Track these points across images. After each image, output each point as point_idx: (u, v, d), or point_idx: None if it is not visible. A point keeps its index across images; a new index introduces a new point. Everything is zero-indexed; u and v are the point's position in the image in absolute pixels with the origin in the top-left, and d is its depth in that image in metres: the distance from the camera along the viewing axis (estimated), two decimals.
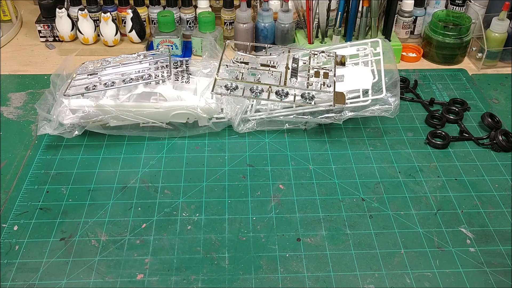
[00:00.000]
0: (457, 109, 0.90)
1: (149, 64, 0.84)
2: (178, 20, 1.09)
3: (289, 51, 0.88)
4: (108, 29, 1.04)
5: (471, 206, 0.73)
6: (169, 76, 0.80)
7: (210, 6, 1.10)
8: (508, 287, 0.63)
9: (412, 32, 1.11)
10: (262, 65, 0.85)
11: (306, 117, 0.84)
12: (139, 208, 0.72)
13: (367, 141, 0.84)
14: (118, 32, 1.06)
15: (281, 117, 0.84)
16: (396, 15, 1.06)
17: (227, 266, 0.64)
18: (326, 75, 0.82)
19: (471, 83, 0.99)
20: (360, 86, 0.81)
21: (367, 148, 0.83)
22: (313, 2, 1.00)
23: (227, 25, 1.08)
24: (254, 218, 0.70)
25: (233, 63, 0.86)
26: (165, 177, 0.77)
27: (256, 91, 0.81)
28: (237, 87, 0.82)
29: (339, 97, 0.79)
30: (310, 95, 0.81)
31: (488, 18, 1.04)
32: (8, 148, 0.82)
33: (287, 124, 0.85)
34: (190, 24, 1.10)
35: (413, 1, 1.06)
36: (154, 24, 1.09)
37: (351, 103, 0.81)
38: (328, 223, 0.70)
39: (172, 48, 1.03)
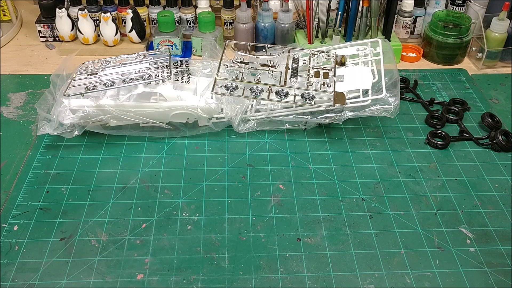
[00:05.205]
0: (457, 109, 0.90)
1: (149, 64, 0.84)
2: (178, 20, 1.09)
3: (289, 51, 0.88)
4: (108, 29, 1.04)
5: (471, 206, 0.73)
6: (169, 76, 0.80)
7: (210, 6, 1.10)
8: (508, 287, 0.63)
9: (412, 32, 1.11)
10: (262, 65, 0.85)
11: (306, 117, 0.84)
12: (139, 208, 0.72)
13: (367, 141, 0.84)
14: (118, 32, 1.06)
15: (281, 117, 0.84)
16: (396, 15, 1.06)
17: (227, 266, 0.64)
18: (326, 75, 0.82)
19: (471, 83, 0.99)
20: (360, 86, 0.81)
21: (367, 148, 0.83)
22: (313, 2, 1.00)
23: (227, 25, 1.08)
24: (254, 218, 0.70)
25: (233, 63, 0.86)
26: (165, 177, 0.77)
27: (256, 91, 0.81)
28: (237, 87, 0.82)
29: (339, 97, 0.79)
30: (310, 95, 0.81)
31: (488, 18, 1.03)
32: (8, 148, 0.82)
33: (287, 124, 0.85)
34: (190, 24, 1.10)
35: (413, 1, 1.06)
36: (154, 24, 1.09)
37: (351, 103, 0.81)
38: (328, 223, 0.70)
39: (172, 48, 1.03)
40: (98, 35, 1.07)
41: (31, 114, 0.89)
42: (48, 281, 0.62)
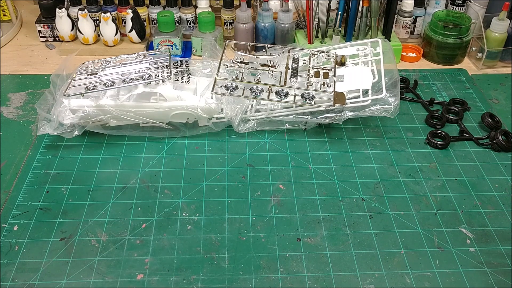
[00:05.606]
0: (457, 109, 0.90)
1: (149, 64, 0.84)
2: (178, 20, 1.09)
3: (289, 51, 0.88)
4: (108, 29, 1.04)
5: (471, 206, 0.73)
6: (169, 76, 0.80)
7: (210, 6, 1.10)
8: (508, 287, 0.63)
9: (412, 32, 1.11)
10: (262, 65, 0.85)
11: (306, 117, 0.84)
12: (139, 208, 0.72)
13: (367, 141, 0.84)
14: (118, 32, 1.06)
15: (281, 117, 0.84)
16: (396, 15, 1.06)
17: (227, 266, 0.64)
18: (326, 75, 0.82)
19: (471, 83, 0.99)
20: (360, 86, 0.81)
21: (367, 148, 0.83)
22: (313, 2, 1.00)
23: (227, 25, 1.08)
24: (254, 218, 0.70)
25: (233, 63, 0.86)
26: (165, 177, 0.77)
27: (256, 91, 0.81)
28: (237, 87, 0.82)
29: (339, 97, 0.79)
30: (310, 95, 0.81)
31: (488, 18, 1.04)
32: (8, 148, 0.82)
33: (287, 124, 0.85)
34: (190, 24, 1.10)
35: (413, 1, 1.06)
36: (154, 24, 1.09)
37: (351, 103, 0.81)
38: (328, 223, 0.70)
39: (172, 48, 1.03)
40: (98, 35, 1.07)
41: (31, 114, 0.89)
42: (48, 281, 0.62)
